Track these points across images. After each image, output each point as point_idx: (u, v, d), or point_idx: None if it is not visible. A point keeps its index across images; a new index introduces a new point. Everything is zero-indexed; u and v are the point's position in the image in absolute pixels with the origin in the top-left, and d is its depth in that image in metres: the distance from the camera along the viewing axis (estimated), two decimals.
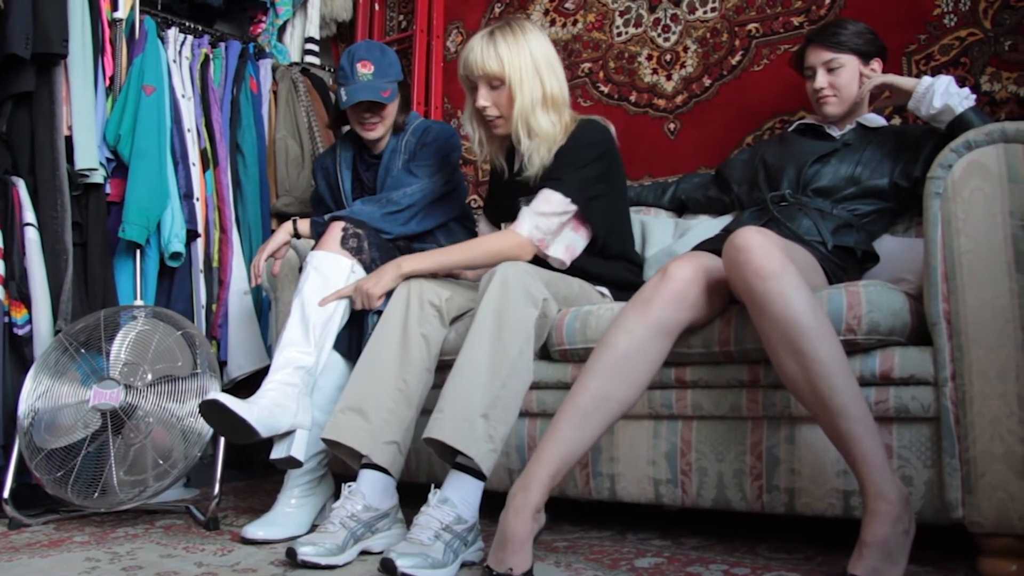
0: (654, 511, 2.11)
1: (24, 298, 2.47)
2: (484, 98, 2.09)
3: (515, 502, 1.55)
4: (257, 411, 1.88)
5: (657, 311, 1.60)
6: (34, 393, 2.27)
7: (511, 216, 2.16)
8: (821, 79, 2.12)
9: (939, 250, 1.55)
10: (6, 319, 2.44)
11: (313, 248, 2.20)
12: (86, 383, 2.28)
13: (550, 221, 2.05)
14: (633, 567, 1.66)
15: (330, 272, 2.13)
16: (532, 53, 2.05)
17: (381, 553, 1.65)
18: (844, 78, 2.11)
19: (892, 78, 2.04)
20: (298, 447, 1.97)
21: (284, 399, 1.96)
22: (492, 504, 1.80)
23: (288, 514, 2.05)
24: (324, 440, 1.91)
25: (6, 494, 2.27)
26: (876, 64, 2.13)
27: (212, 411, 1.88)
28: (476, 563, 1.71)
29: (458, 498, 1.69)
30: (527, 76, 2.04)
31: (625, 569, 1.65)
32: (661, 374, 1.68)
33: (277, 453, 1.97)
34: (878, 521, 1.38)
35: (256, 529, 1.99)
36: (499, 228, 2.42)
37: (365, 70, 2.41)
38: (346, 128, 2.67)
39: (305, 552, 1.72)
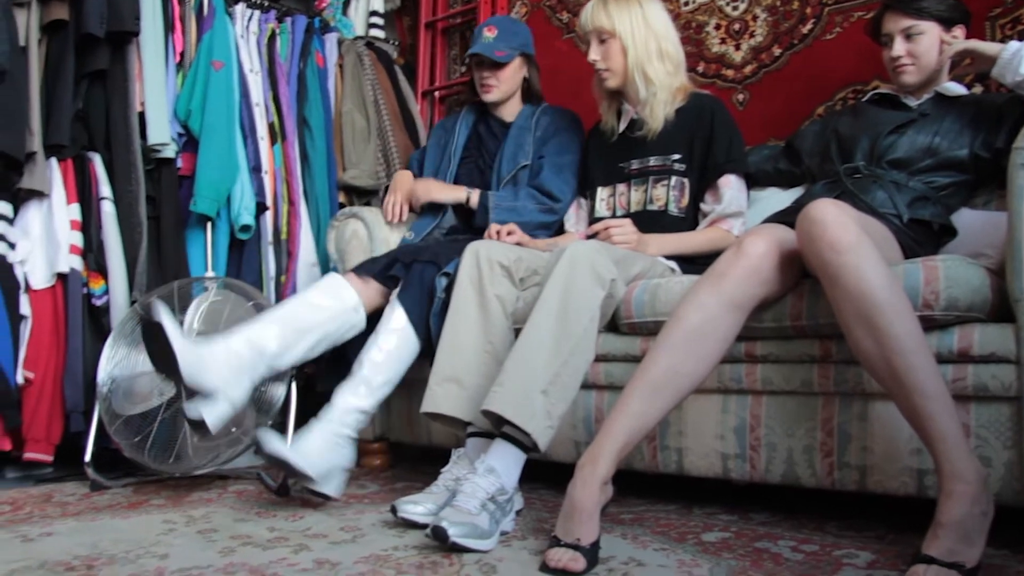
0: (721, 485, 2.09)
1: (101, 269, 2.54)
2: (594, 52, 2.29)
3: (583, 474, 1.55)
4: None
5: (731, 286, 1.58)
6: (112, 361, 2.33)
7: (614, 179, 2.37)
8: (899, 47, 2.05)
9: None
10: (85, 290, 2.51)
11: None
12: None
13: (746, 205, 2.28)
14: (700, 541, 1.66)
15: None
16: (644, 11, 2.25)
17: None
18: (923, 45, 2.03)
19: (975, 44, 1.96)
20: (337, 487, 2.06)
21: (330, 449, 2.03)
22: (559, 476, 1.81)
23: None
24: (425, 413, 1.94)
25: (88, 458, 2.35)
26: (959, 31, 2.04)
27: (269, 449, 1.92)
28: (509, 532, 1.74)
29: (503, 468, 1.71)
30: (638, 29, 2.23)
31: (692, 543, 1.65)
32: (731, 348, 1.66)
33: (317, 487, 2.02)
34: (955, 502, 1.35)
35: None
36: (585, 199, 2.49)
37: (489, 34, 2.60)
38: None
39: (406, 510, 1.79)
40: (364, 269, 2.27)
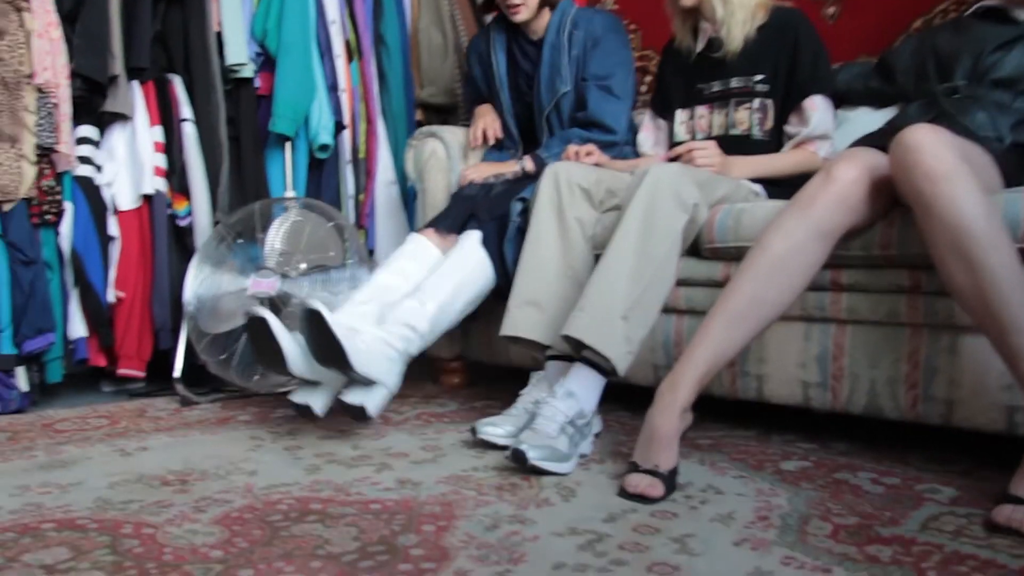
0: (800, 412, 2.08)
1: (185, 191, 2.59)
2: None
3: (663, 401, 1.55)
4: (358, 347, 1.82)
5: (818, 213, 1.54)
6: (197, 280, 2.39)
7: (693, 101, 2.28)
8: None
9: None
10: (169, 211, 2.57)
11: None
12: (243, 271, 2.38)
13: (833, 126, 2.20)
14: (778, 470, 1.66)
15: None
16: None
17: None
18: None
19: None
20: (375, 403, 1.89)
21: (382, 355, 1.91)
22: (637, 399, 1.82)
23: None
24: (504, 336, 1.94)
25: (177, 373, 2.43)
26: None
27: (311, 322, 1.81)
28: (587, 455, 1.76)
29: (582, 392, 1.73)
30: None
31: (770, 471, 1.65)
32: (817, 276, 1.62)
33: (354, 400, 1.87)
34: None
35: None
36: (664, 120, 2.41)
37: None
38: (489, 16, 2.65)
39: (485, 432, 1.83)
40: (443, 224, 2.25)
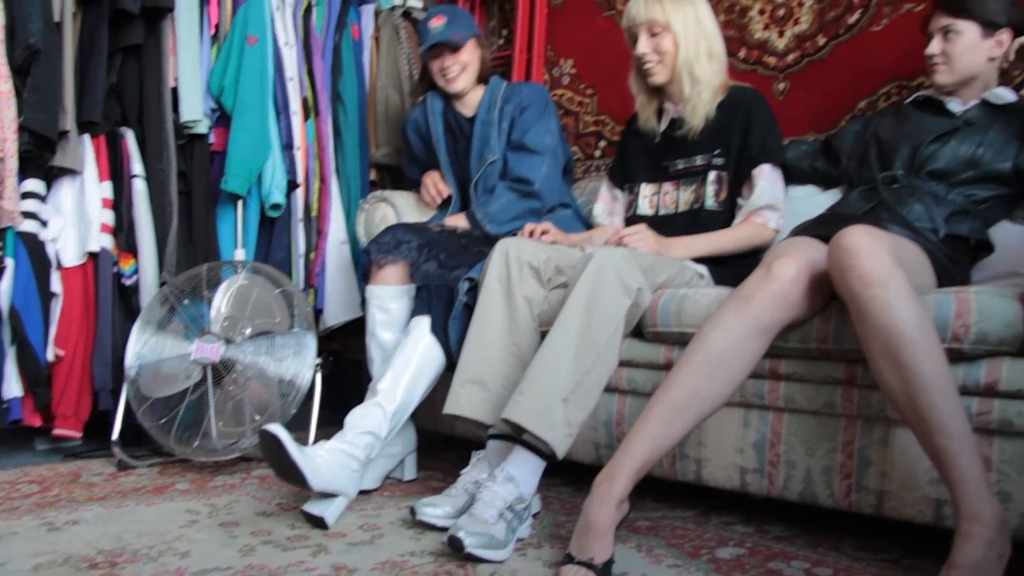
0: (739, 494, 2.09)
1: (132, 249, 2.55)
2: (644, 45, 2.22)
3: (599, 491, 1.55)
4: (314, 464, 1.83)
5: (757, 310, 1.56)
6: (140, 342, 2.36)
7: (659, 177, 2.32)
8: (934, 45, 1.99)
9: None
10: (115, 269, 2.53)
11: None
12: (188, 334, 2.36)
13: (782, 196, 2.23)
14: (714, 557, 1.66)
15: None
16: (696, 9, 2.22)
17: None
18: (959, 47, 1.96)
19: None
20: (334, 513, 1.88)
21: (341, 467, 1.90)
22: (578, 474, 1.81)
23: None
24: (447, 414, 1.94)
25: (115, 436, 2.39)
26: (1005, 35, 1.97)
27: (269, 444, 1.80)
28: (525, 538, 1.76)
29: (522, 477, 1.74)
30: (691, 27, 2.20)
31: (706, 559, 1.65)
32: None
33: (314, 511, 1.86)
34: (970, 544, 1.34)
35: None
36: (622, 191, 2.46)
37: (438, 23, 2.54)
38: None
39: (424, 513, 1.82)
40: (400, 253, 2.23)
